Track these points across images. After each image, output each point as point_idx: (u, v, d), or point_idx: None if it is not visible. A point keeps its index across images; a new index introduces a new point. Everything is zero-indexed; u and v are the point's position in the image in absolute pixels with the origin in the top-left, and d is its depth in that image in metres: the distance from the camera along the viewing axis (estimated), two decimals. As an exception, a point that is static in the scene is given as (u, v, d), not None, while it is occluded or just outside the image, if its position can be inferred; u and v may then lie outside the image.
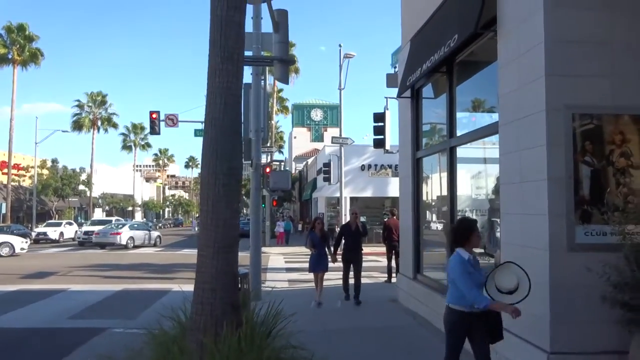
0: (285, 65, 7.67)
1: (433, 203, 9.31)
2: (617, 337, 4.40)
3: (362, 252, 10.18)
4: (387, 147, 15.08)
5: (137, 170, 72.05)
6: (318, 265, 9.80)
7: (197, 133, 26.83)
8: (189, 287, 7.35)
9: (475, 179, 8.00)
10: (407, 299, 9.15)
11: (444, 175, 7.81)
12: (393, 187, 27.92)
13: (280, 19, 7.45)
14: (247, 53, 10.35)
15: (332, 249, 10.14)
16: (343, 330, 7.59)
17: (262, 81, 10.82)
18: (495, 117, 6.02)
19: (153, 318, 4.78)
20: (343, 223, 11.12)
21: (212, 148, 4.24)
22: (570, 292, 4.54)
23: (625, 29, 4.75)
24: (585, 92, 4.71)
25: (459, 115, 7.57)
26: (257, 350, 3.45)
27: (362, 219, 14.42)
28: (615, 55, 4.74)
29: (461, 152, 7.48)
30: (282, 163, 43.04)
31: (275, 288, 12.37)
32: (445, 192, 7.78)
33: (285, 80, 7.88)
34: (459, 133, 7.35)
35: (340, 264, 10.24)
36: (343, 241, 10.05)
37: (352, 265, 9.84)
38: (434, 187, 9.17)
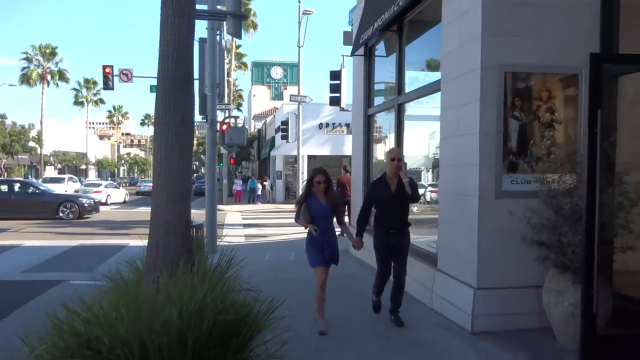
0: (238, 20, 7.69)
1: (382, 159, 9.71)
2: (534, 274, 4.95)
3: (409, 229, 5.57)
4: (343, 105, 15.34)
5: (90, 127, 69.76)
6: (322, 254, 5.38)
7: (152, 89, 26.10)
8: (145, 243, 7.52)
9: (422, 135, 8.42)
10: (357, 249, 9.63)
11: (393, 131, 8.17)
12: (349, 145, 28.34)
13: (234, -26, 7.49)
14: (202, 6, 10.26)
15: (346, 223, 6.03)
16: (295, 279, 8.00)
17: (218, 36, 10.78)
18: (439, 75, 6.35)
19: (111, 270, 4.94)
20: (374, 179, 6.05)
21: (164, 99, 4.39)
22: (496, 235, 5.03)
23: (554, -7, 5.11)
24: (517, 52, 5.08)
25: (408, 73, 7.89)
26: (210, 287, 3.74)
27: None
28: (544, 17, 5.11)
29: (410, 110, 7.84)
30: (242, 121, 42.58)
31: (231, 243, 12.78)
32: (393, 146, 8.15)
33: (238, 35, 7.93)
34: (407, 90, 7.69)
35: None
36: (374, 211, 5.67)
37: (393, 256, 5.52)
38: (385, 143, 9.55)
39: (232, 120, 17.16)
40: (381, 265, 5.61)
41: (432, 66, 7.46)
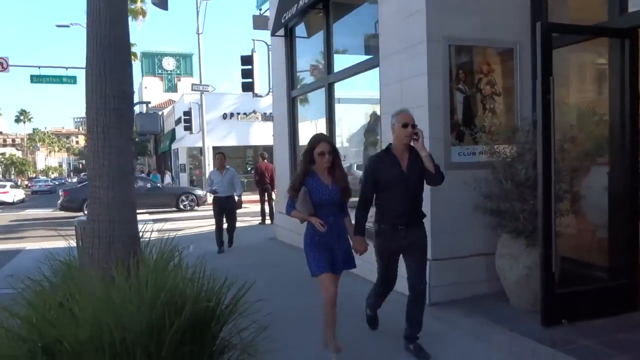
0: (163, -12, 7.14)
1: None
2: (483, 242, 5.10)
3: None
4: (257, 90, 14.94)
5: (-46, 125, 62.09)
6: (329, 258, 3.88)
7: (33, 79, 23.73)
8: (45, 245, 6.60)
9: (352, 116, 8.38)
10: (285, 233, 9.41)
11: (323, 112, 8.02)
12: (255, 136, 27.92)
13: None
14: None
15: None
16: (231, 267, 7.59)
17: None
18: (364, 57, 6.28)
19: (9, 277, 4.16)
20: (374, 154, 4.27)
21: (99, 69, 3.85)
22: (447, 206, 5.08)
23: (492, -32, 5.25)
24: (460, 25, 5.15)
25: (336, 52, 7.78)
26: (168, 279, 3.34)
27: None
28: (484, -8, 5.23)
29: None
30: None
31: (145, 238, 11.89)
32: (324, 129, 8.01)
33: (164, 6, 7.31)
34: (336, 69, 7.57)
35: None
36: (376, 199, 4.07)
37: (406, 258, 4.02)
38: (312, 126, 9.40)
39: (143, 106, 15.98)
40: (384, 274, 4.11)
41: (362, 43, 7.43)
